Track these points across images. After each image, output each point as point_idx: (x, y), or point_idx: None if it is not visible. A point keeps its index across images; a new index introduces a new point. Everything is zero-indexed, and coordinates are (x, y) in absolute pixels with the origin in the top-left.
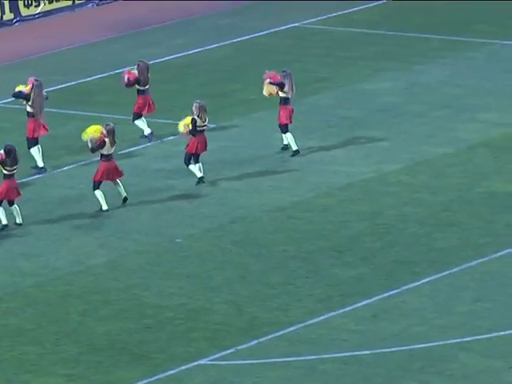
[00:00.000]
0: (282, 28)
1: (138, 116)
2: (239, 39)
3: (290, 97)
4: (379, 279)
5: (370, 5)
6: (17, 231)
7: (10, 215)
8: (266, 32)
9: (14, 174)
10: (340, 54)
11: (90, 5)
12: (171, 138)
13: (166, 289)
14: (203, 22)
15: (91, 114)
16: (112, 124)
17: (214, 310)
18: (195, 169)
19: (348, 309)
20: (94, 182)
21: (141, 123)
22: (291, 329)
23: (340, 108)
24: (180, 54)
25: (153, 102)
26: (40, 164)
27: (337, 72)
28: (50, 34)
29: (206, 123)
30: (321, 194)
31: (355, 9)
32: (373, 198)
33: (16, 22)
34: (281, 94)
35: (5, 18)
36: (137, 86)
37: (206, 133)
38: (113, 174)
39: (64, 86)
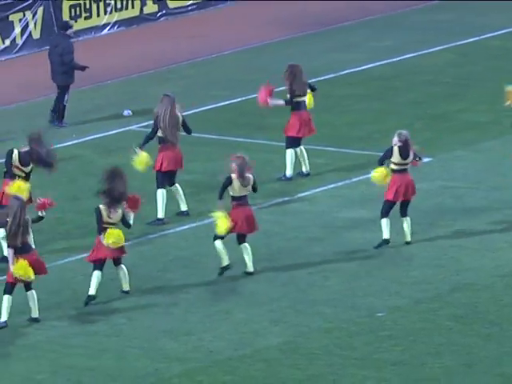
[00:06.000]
0: None
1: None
2: (466, 41)
3: None
4: None
5: None
6: (160, 300)
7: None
8: (504, 31)
9: None
10: None
11: None
12: (361, 177)
13: (363, 381)
14: (415, 17)
15: (256, 142)
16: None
17: None
18: (384, 226)
19: None
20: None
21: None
22: None
23: None
24: (384, 62)
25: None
26: None
27: None
28: (205, 33)
29: (407, 160)
30: None
31: None
32: None
33: (161, 16)
34: None
35: (146, 10)
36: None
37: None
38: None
39: (226, 103)
